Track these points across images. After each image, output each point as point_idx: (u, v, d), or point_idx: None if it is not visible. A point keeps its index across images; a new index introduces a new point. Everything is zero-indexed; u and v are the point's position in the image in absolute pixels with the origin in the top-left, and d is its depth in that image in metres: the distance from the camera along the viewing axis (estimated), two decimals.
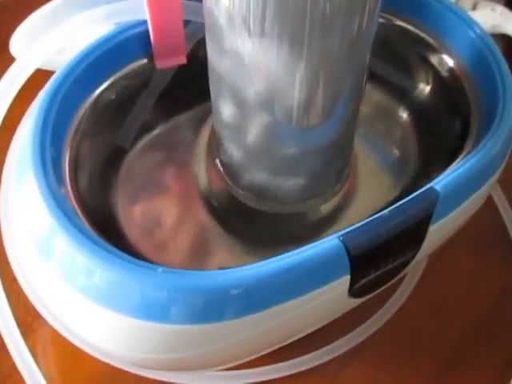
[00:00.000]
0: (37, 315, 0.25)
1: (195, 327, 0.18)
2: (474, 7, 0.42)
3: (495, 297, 0.29)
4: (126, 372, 0.25)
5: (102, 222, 0.21)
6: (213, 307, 0.17)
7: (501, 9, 0.41)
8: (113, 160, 0.25)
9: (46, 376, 0.24)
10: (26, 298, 0.21)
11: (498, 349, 0.27)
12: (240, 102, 0.20)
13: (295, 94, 0.18)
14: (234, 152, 0.23)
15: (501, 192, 0.32)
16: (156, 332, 0.18)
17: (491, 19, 0.41)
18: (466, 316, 0.28)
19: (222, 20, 0.17)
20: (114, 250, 0.18)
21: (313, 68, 0.18)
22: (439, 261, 0.29)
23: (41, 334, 0.26)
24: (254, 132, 0.21)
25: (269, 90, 0.19)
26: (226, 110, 0.21)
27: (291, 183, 0.23)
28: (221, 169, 0.25)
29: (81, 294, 0.18)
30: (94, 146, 0.23)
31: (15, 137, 0.22)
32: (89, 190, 0.22)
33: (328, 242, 0.18)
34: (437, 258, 0.29)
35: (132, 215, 0.24)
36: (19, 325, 0.24)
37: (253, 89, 0.19)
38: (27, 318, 0.26)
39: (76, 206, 0.20)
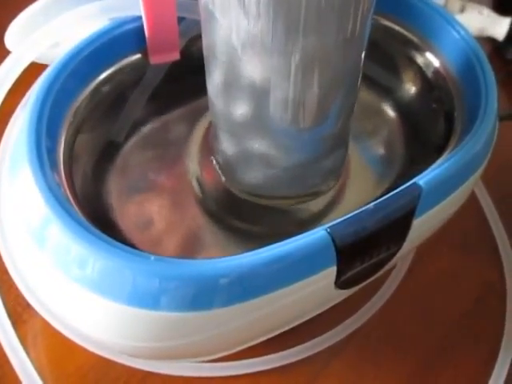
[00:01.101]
0: (27, 306, 0.25)
1: (186, 315, 0.18)
2: (462, 10, 0.43)
3: (478, 293, 0.29)
4: (115, 362, 0.25)
5: (95, 213, 0.21)
6: (203, 295, 0.18)
7: (488, 12, 0.42)
8: (107, 153, 0.25)
9: (36, 366, 0.24)
10: (16, 289, 0.21)
11: (480, 344, 0.28)
12: (235, 94, 0.20)
13: (290, 87, 0.19)
14: (229, 146, 0.23)
15: (485, 191, 0.33)
16: (148, 319, 0.18)
17: (478, 22, 0.42)
18: (450, 311, 0.29)
19: (218, 11, 0.18)
20: (108, 238, 0.18)
21: (308, 59, 0.18)
22: (424, 257, 0.30)
23: (31, 325, 0.26)
24: (248, 126, 0.21)
25: (264, 82, 0.19)
26: (221, 102, 0.21)
27: (283, 177, 0.24)
28: (215, 164, 0.25)
29: (75, 283, 0.18)
30: (89, 138, 0.23)
31: (8, 127, 0.22)
32: (83, 181, 0.22)
33: (315, 234, 0.18)
34: (422, 255, 0.30)
35: (125, 208, 0.25)
36: (10, 315, 0.24)
37: (247, 80, 0.19)
38: (17, 308, 0.26)
39: (70, 197, 0.20)
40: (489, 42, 0.41)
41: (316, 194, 0.25)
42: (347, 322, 0.27)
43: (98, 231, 0.19)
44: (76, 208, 0.20)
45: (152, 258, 0.18)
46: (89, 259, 0.18)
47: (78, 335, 0.25)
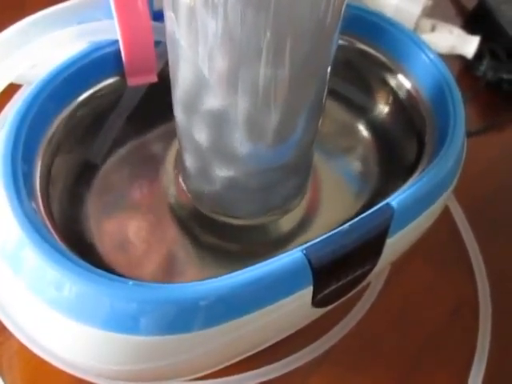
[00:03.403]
0: (2, 328, 0.25)
1: (164, 338, 0.18)
2: (433, 29, 0.44)
3: (453, 306, 0.30)
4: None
5: (72, 237, 0.21)
6: (182, 318, 0.18)
7: (457, 31, 0.43)
8: (84, 175, 0.25)
9: None
10: None
11: (456, 355, 0.28)
12: (196, 111, 0.20)
13: (256, 104, 0.19)
14: (192, 165, 0.23)
15: (457, 204, 0.34)
16: (126, 344, 0.18)
17: (449, 41, 0.43)
18: (426, 324, 0.29)
19: (181, 31, 0.18)
20: (84, 263, 0.18)
21: (277, 68, 0.18)
22: (399, 272, 0.30)
23: (6, 348, 0.26)
24: (209, 147, 0.21)
25: (225, 105, 0.19)
26: (181, 117, 0.21)
27: (247, 198, 0.24)
28: (181, 181, 0.25)
29: (51, 308, 0.18)
30: (66, 161, 0.23)
31: None
32: (60, 204, 0.22)
33: (292, 256, 0.19)
34: (397, 269, 0.30)
35: (103, 230, 0.25)
36: None
37: (209, 103, 0.19)
38: None
39: (47, 221, 0.20)
40: (459, 59, 0.43)
41: (280, 215, 0.26)
42: (325, 337, 0.28)
43: (74, 256, 0.19)
44: (52, 232, 0.20)
45: (130, 282, 0.18)
46: (65, 284, 0.18)
47: (54, 357, 0.24)
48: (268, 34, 0.16)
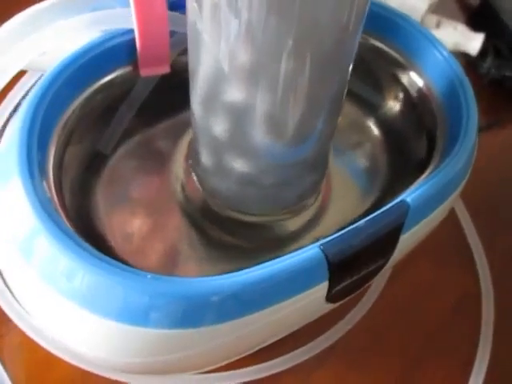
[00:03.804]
0: (5, 320, 0.25)
1: (177, 332, 0.18)
2: (438, 25, 0.44)
3: (455, 304, 0.30)
4: (97, 375, 0.25)
5: (84, 226, 0.21)
6: (194, 313, 0.18)
7: (462, 28, 0.43)
8: (95, 165, 0.25)
9: (14, 381, 0.24)
10: None
11: (459, 350, 0.29)
12: (217, 111, 0.20)
13: (276, 102, 0.19)
14: (207, 160, 0.23)
15: (460, 200, 0.34)
16: (138, 336, 0.18)
17: (453, 37, 0.43)
18: (429, 321, 0.30)
19: (205, 25, 0.17)
20: (98, 253, 0.18)
21: (298, 68, 0.18)
22: (402, 268, 0.30)
23: (9, 339, 0.26)
24: (228, 142, 0.21)
25: (247, 97, 0.19)
26: (201, 116, 0.21)
27: (262, 194, 0.24)
28: (194, 176, 0.25)
29: (63, 297, 0.18)
30: (77, 150, 0.23)
31: None
32: (71, 194, 0.22)
33: (309, 251, 0.19)
34: (399, 265, 0.30)
35: (113, 220, 0.24)
36: None
37: (230, 97, 0.19)
38: None
39: (60, 210, 0.20)
40: (462, 56, 0.43)
41: (294, 213, 0.25)
42: (330, 331, 0.28)
43: (88, 245, 0.19)
44: (66, 222, 0.19)
45: (148, 275, 0.18)
46: (78, 273, 0.18)
47: (58, 348, 0.24)
48: (290, 38, 0.16)
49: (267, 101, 0.18)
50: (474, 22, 0.46)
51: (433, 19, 0.43)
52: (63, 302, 0.18)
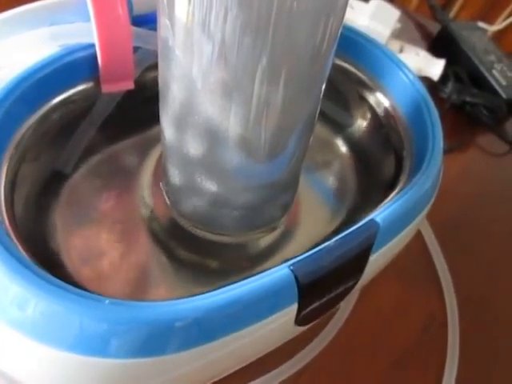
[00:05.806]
0: None
1: (138, 361, 0.17)
2: (401, 50, 0.45)
3: (422, 323, 0.30)
4: None
5: (39, 250, 0.20)
6: (157, 340, 0.17)
7: (424, 54, 0.45)
8: (53, 184, 0.24)
9: None
10: None
11: (426, 372, 0.29)
12: (189, 130, 0.20)
13: (249, 122, 0.18)
14: (177, 179, 0.22)
15: (426, 222, 0.34)
16: (96, 367, 0.17)
17: (416, 62, 0.44)
18: (399, 340, 0.29)
19: (177, 45, 0.17)
20: (52, 278, 0.17)
21: (272, 89, 0.18)
22: (370, 288, 0.30)
23: None
24: (199, 163, 0.21)
25: (220, 118, 0.18)
26: (172, 135, 0.21)
27: (233, 215, 0.23)
28: (165, 194, 0.24)
29: (13, 328, 0.16)
30: (33, 169, 0.22)
31: None
32: (26, 215, 0.21)
33: (278, 272, 0.18)
34: (368, 286, 0.30)
35: (72, 243, 0.23)
36: None
37: (203, 116, 0.19)
38: None
39: (11, 232, 0.18)
40: (424, 81, 0.44)
41: (264, 233, 0.25)
42: (298, 355, 0.27)
43: (41, 270, 0.17)
44: (17, 244, 0.18)
45: (106, 301, 0.16)
46: (30, 301, 0.16)
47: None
48: (264, 59, 0.16)
49: (241, 120, 0.18)
50: (435, 48, 0.48)
51: (396, 45, 0.45)
52: (14, 333, 0.16)
